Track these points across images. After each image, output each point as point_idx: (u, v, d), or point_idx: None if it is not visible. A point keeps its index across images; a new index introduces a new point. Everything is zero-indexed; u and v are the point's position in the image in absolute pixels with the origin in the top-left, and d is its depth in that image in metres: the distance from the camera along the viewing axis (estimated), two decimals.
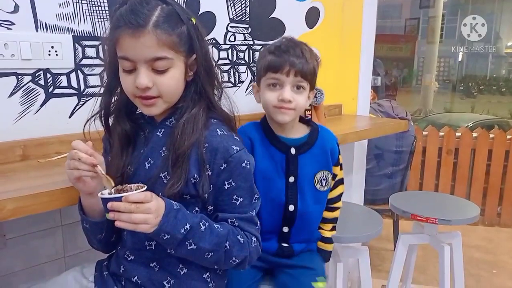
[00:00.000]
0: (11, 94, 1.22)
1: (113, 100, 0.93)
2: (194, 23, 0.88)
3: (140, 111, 0.95)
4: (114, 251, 1.01)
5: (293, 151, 1.16)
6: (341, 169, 1.25)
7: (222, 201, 0.90)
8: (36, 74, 1.25)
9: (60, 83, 1.30)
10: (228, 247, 0.87)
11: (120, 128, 0.93)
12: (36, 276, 1.30)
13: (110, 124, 0.95)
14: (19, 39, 1.20)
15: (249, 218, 0.92)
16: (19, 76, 1.22)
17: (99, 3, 1.34)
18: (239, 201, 0.90)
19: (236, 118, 0.96)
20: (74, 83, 1.33)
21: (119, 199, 0.76)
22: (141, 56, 0.81)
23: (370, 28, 2.32)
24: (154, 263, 0.90)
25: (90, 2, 1.33)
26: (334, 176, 1.24)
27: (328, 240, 1.28)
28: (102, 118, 0.93)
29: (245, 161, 0.89)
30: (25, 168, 1.18)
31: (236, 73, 1.81)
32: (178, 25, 0.84)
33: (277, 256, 1.19)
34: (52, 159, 1.25)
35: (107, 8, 1.36)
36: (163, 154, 0.88)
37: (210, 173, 0.87)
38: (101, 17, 1.36)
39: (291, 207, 1.16)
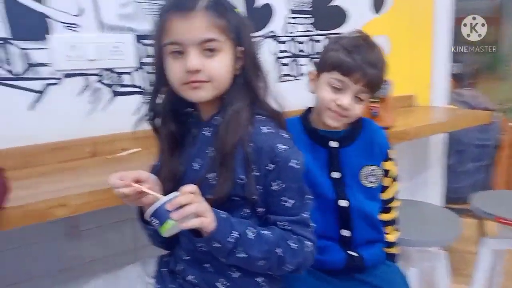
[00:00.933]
0: (80, 93, 1.28)
1: (159, 101, 0.91)
2: (240, 14, 0.85)
3: (187, 110, 0.92)
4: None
5: (334, 144, 1.08)
6: (394, 165, 1.14)
7: (271, 203, 0.85)
8: (102, 74, 1.30)
9: (124, 82, 1.34)
10: (280, 253, 0.82)
11: (167, 130, 0.91)
12: (108, 267, 1.35)
13: (158, 126, 0.93)
14: (84, 41, 1.25)
15: (301, 220, 0.86)
16: (86, 76, 1.28)
17: (159, 2, 1.36)
18: (289, 203, 0.84)
19: (284, 114, 0.90)
20: (137, 82, 1.36)
21: (173, 199, 0.74)
22: (191, 38, 0.79)
23: (446, 10, 2.12)
24: (208, 265, 0.88)
25: (150, 1, 1.35)
26: (386, 172, 1.13)
27: (393, 245, 1.17)
28: (149, 120, 0.92)
29: (293, 160, 0.83)
30: (94, 164, 1.23)
31: (297, 66, 1.75)
32: (226, 12, 0.81)
33: (347, 271, 1.09)
34: (119, 155, 1.30)
35: None
36: (209, 154, 0.85)
37: (257, 174, 0.82)
38: None
39: (343, 203, 1.07)
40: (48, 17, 1.19)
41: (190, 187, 0.76)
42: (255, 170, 0.82)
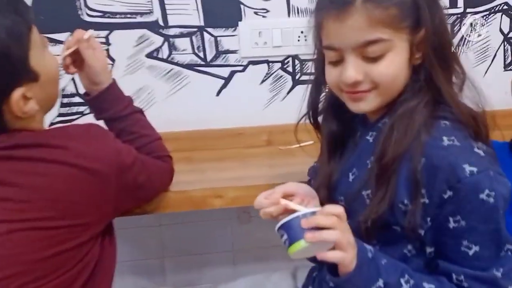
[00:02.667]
0: (262, 81, 1.26)
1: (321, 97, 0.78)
2: None
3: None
4: None
5: None
6: None
7: (445, 244, 0.61)
8: (285, 61, 1.24)
9: (308, 70, 1.26)
10: None
11: (328, 128, 0.78)
12: (275, 254, 1.32)
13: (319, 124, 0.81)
14: (272, 26, 1.21)
15: (489, 279, 0.59)
16: (270, 64, 1.24)
17: None
18: (472, 251, 0.59)
19: (485, 119, 0.64)
20: None
21: (311, 215, 0.61)
22: (348, 43, 0.63)
23: None
24: None
25: None
26: None
27: None
28: (311, 118, 0.79)
29: (486, 190, 0.57)
30: (266, 154, 1.20)
31: None
32: None
33: None
34: (292, 147, 1.24)
35: None
36: (369, 166, 0.67)
37: (427, 201, 0.60)
38: None
39: None
40: (242, 3, 1.20)
41: (335, 209, 0.60)
42: (424, 195, 0.61)
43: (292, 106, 1.23)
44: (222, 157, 1.17)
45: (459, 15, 1.27)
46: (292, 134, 1.26)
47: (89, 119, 1.20)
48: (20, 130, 0.67)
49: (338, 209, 0.60)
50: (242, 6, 1.19)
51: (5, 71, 0.62)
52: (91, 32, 0.85)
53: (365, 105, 0.67)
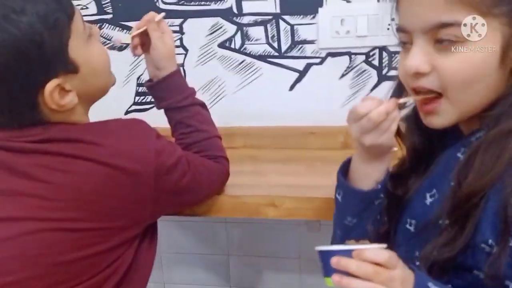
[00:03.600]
0: (342, 75, 1.11)
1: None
2: None
3: None
4: None
5: None
6: None
7: None
8: (371, 53, 1.08)
9: (397, 64, 1.08)
10: None
11: (411, 141, 0.65)
12: None
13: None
14: (357, 13, 1.05)
15: None
16: (352, 56, 1.09)
17: None
18: None
19: None
20: None
21: (347, 253, 0.49)
22: (417, 23, 0.51)
23: None
24: None
25: None
26: None
27: None
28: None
29: None
30: (340, 158, 1.06)
31: None
32: None
33: None
34: None
35: None
36: (451, 188, 0.53)
37: None
38: None
39: None
40: None
41: (377, 256, 0.48)
42: None
43: None
44: (289, 158, 1.07)
45: None
46: None
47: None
48: (57, 123, 0.64)
49: (382, 256, 0.48)
50: None
51: (38, 61, 0.58)
52: (162, 15, 0.83)
53: (438, 119, 0.54)
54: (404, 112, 0.64)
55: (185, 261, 1.36)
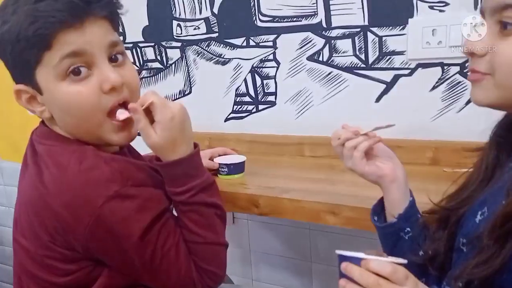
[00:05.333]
0: (433, 87, 1.06)
1: None
2: None
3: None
4: None
5: None
6: None
7: None
8: (466, 64, 1.00)
9: None
10: None
11: (483, 155, 0.63)
12: None
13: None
14: (450, 22, 1.00)
15: None
16: (445, 67, 1.03)
17: None
18: None
19: None
20: None
21: (357, 261, 0.50)
22: (488, 2, 0.54)
23: None
24: None
25: None
26: None
27: None
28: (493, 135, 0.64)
29: None
30: (425, 175, 1.01)
31: None
32: None
33: None
34: (461, 171, 1.00)
35: None
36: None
37: None
38: None
39: None
40: None
41: (385, 269, 0.48)
42: None
43: (470, 119, 1.01)
44: None
45: None
46: (464, 154, 1.04)
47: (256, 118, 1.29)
48: (45, 126, 0.72)
49: (386, 269, 0.48)
50: (415, 0, 1.03)
51: (10, 60, 0.65)
52: (150, 101, 0.69)
53: (480, 92, 0.55)
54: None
55: (269, 261, 1.43)
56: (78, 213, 0.63)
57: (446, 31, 1.00)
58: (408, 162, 1.06)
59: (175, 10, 1.36)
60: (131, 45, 1.47)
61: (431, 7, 1.02)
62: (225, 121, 1.38)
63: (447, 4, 1.00)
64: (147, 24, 1.41)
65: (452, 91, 1.04)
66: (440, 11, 1.01)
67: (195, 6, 1.33)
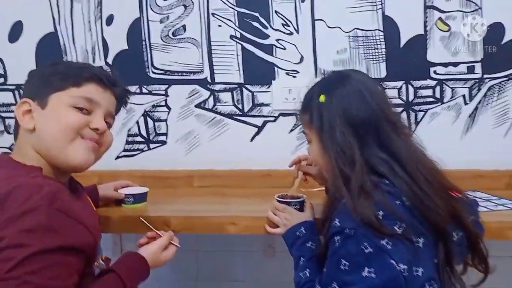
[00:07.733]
0: (291, 130, 1.44)
1: None
2: None
3: None
4: None
5: None
6: None
7: None
8: None
9: None
10: None
11: None
12: None
13: None
14: (301, 85, 1.40)
15: None
16: (298, 116, 1.42)
17: (376, 46, 1.36)
18: None
19: None
20: None
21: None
22: None
23: None
24: None
25: (367, 47, 1.38)
26: None
27: None
28: None
29: None
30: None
31: None
32: None
33: None
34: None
35: (384, 50, 1.36)
36: None
37: None
38: (377, 59, 1.37)
39: None
40: (276, 65, 1.42)
41: (281, 207, 0.98)
42: None
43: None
44: (254, 194, 1.35)
45: (477, 80, 1.36)
46: None
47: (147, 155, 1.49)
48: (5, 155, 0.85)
49: (279, 207, 1.01)
50: (276, 68, 1.41)
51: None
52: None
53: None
54: None
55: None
56: (6, 203, 0.69)
57: (298, 91, 1.41)
58: (275, 186, 1.40)
59: (67, 58, 1.47)
60: (14, 87, 1.49)
61: (287, 73, 1.42)
62: (116, 158, 1.50)
63: (298, 72, 1.41)
64: (35, 68, 1.47)
65: (302, 133, 1.44)
66: (293, 76, 1.42)
67: (88, 56, 1.47)
